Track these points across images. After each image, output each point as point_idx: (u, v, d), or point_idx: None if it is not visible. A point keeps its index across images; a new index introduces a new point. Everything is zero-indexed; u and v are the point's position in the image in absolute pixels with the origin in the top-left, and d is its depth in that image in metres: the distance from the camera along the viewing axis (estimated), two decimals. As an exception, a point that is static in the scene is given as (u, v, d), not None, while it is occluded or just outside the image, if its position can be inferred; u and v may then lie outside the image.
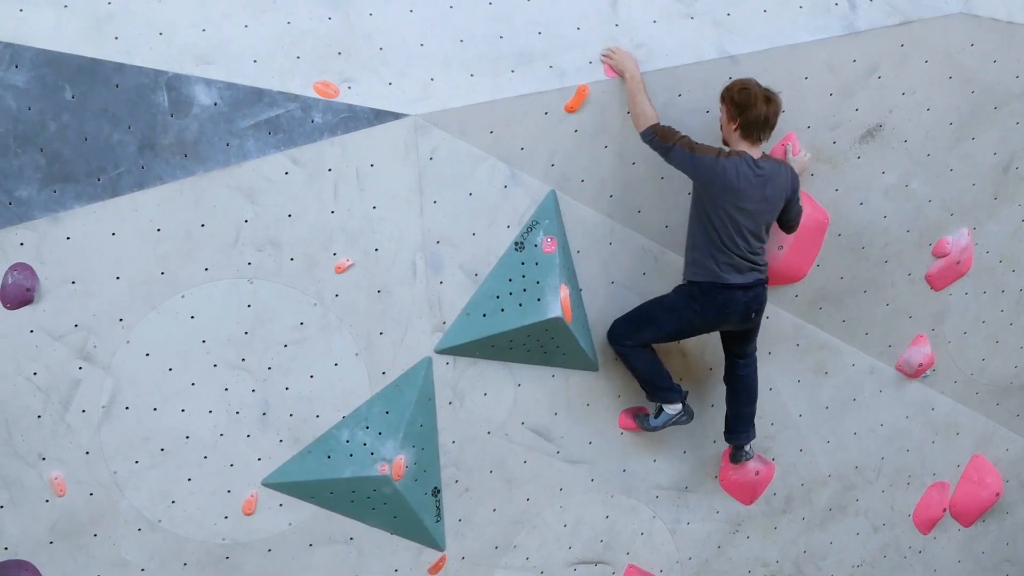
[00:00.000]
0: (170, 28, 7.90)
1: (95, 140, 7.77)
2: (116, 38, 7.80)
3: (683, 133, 8.20)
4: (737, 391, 9.01)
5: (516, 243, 8.53)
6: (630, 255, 8.86)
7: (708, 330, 8.72)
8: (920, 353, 9.80)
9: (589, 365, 8.91)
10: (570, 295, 8.54)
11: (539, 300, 8.50)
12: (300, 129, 8.02)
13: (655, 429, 9.01)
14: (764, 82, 8.38)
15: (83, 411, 8.07)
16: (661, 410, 8.93)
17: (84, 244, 7.84)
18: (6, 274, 7.75)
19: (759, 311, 8.61)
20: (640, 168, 8.65)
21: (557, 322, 8.49)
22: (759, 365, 9.02)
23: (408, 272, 8.39)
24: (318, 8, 8.13)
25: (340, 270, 8.27)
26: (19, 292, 7.77)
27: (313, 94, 8.03)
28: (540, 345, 8.66)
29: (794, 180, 8.49)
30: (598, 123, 8.50)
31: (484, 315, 8.53)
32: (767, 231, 8.47)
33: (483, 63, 8.32)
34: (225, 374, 8.26)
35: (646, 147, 8.38)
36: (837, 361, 9.66)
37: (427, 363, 8.59)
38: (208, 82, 7.89)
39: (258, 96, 7.96)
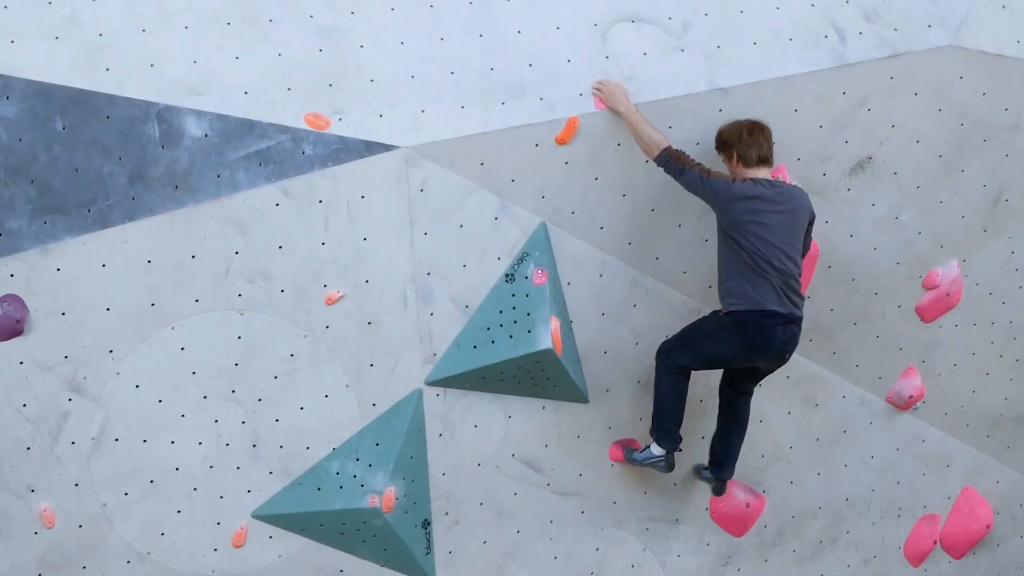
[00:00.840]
0: (161, 60, 7.90)
1: (86, 171, 7.76)
2: (107, 69, 7.80)
3: (695, 160, 8.24)
4: (733, 426, 8.99)
5: (507, 275, 8.53)
6: (621, 287, 8.85)
7: (739, 364, 8.67)
8: (910, 385, 9.80)
9: (580, 397, 8.90)
10: (560, 327, 8.54)
11: (529, 332, 8.49)
12: (291, 161, 8.02)
13: (634, 463, 9.00)
14: (754, 114, 8.41)
15: (72, 443, 8.05)
16: (648, 448, 8.90)
17: (74, 275, 7.83)
18: (-4, 305, 7.76)
19: (792, 351, 8.55)
20: (631, 200, 8.66)
21: (547, 354, 8.48)
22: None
23: (399, 304, 8.38)
24: (309, 40, 8.13)
25: (331, 302, 8.26)
26: (9, 323, 7.76)
27: (304, 126, 8.03)
28: (531, 377, 8.65)
29: (810, 202, 8.52)
30: (589, 155, 8.50)
31: (475, 347, 8.52)
32: (800, 254, 8.41)
33: (474, 95, 8.33)
34: (215, 406, 8.24)
35: (637, 179, 8.41)
36: (827, 393, 9.67)
37: (417, 395, 8.57)
38: (199, 114, 7.89)
39: (249, 128, 7.96)
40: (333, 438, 8.48)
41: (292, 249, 8.13)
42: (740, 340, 8.35)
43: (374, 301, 8.34)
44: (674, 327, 8.95)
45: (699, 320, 8.72)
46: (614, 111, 8.43)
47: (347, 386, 8.42)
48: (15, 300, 7.76)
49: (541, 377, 8.68)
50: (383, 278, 8.33)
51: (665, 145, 8.23)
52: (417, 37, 8.33)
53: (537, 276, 8.51)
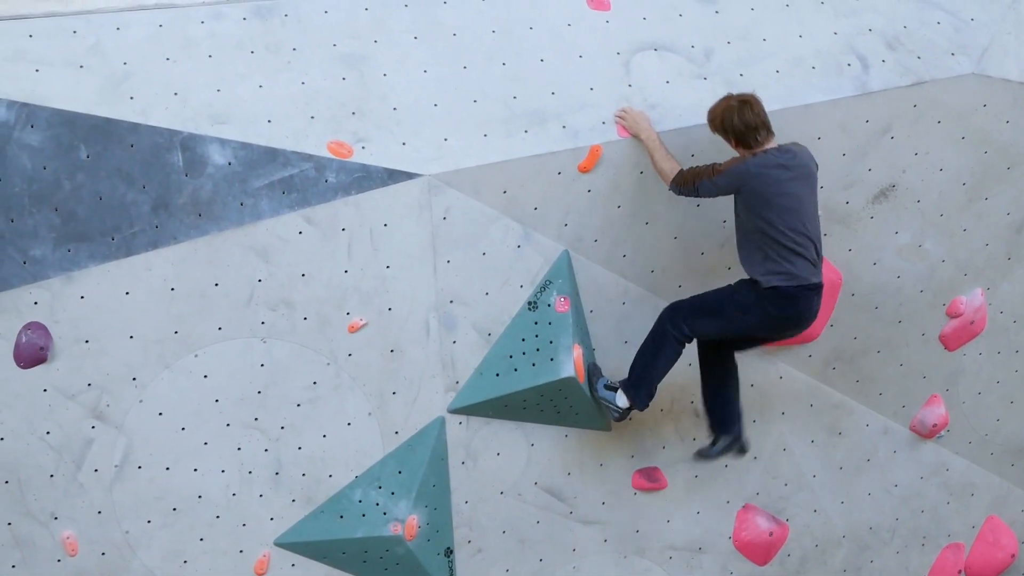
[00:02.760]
0: (185, 88, 7.93)
1: (109, 199, 7.79)
2: (131, 98, 7.84)
3: (702, 165, 8.16)
4: (727, 380, 8.73)
5: (529, 303, 8.53)
6: (643, 315, 8.82)
7: (767, 337, 8.56)
8: (934, 413, 9.77)
9: (602, 425, 8.88)
10: (583, 355, 8.53)
11: (552, 360, 8.49)
12: (314, 189, 8.03)
13: (594, 396, 8.67)
14: (779, 141, 8.40)
15: (95, 470, 8.06)
16: (616, 391, 8.60)
17: (98, 303, 7.85)
18: (20, 333, 7.76)
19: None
20: (654, 228, 8.65)
21: (570, 382, 8.48)
22: (772, 425, 9.01)
23: (421, 331, 8.39)
24: (332, 68, 8.16)
25: (353, 329, 8.27)
26: (33, 351, 7.78)
27: (327, 154, 8.05)
28: (553, 405, 8.64)
29: (811, 155, 8.41)
30: (612, 183, 8.51)
31: (497, 375, 8.52)
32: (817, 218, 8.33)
33: (496, 123, 8.34)
34: (238, 433, 8.24)
35: (660, 207, 8.42)
36: (851, 421, 9.64)
37: (440, 423, 8.57)
38: (222, 142, 7.92)
39: (272, 156, 7.98)
40: (355, 466, 8.48)
41: (315, 277, 8.14)
42: (778, 314, 8.20)
43: (397, 329, 8.34)
44: (696, 356, 8.92)
45: (728, 290, 8.43)
46: (636, 139, 8.44)
47: (369, 414, 8.42)
48: (39, 328, 7.78)
49: (564, 405, 8.67)
50: (406, 306, 8.33)
51: (677, 171, 8.21)
52: (440, 65, 8.35)
53: (560, 304, 8.51)
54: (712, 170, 8.10)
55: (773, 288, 8.11)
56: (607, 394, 8.60)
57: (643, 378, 8.52)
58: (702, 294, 8.49)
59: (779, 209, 8.02)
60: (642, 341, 8.54)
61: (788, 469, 9.55)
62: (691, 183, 8.13)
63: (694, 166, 8.20)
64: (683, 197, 8.31)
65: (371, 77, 8.23)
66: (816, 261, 8.18)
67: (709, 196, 8.20)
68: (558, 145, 8.37)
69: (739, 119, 8.09)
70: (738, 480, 9.38)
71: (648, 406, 8.59)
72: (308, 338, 8.21)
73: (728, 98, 8.23)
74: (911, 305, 9.48)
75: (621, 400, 8.55)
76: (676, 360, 8.50)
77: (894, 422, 9.76)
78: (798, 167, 8.15)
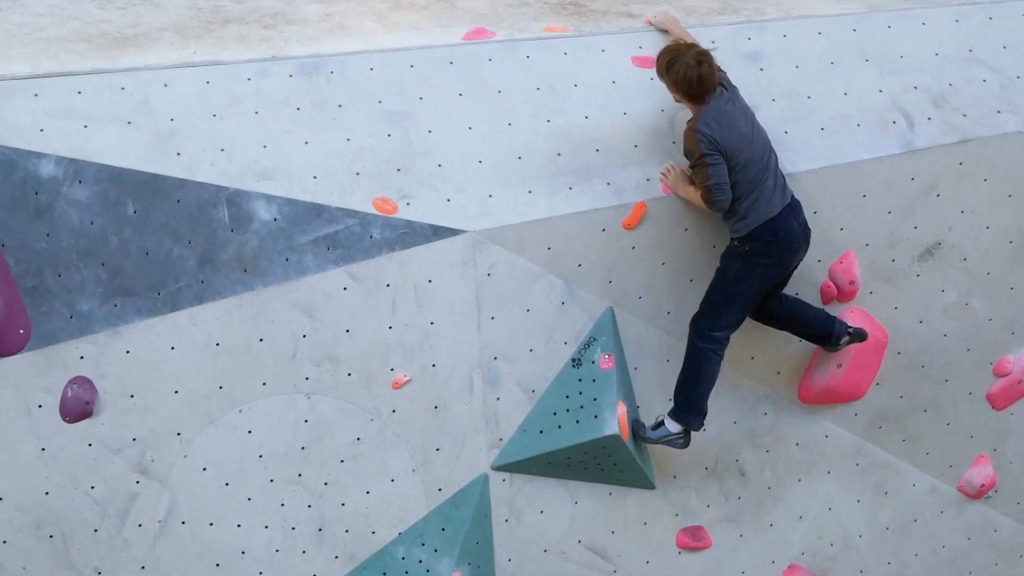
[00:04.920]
0: (231, 144, 7.99)
1: (156, 255, 7.83)
2: (178, 154, 7.89)
3: (707, 184, 8.07)
4: (795, 312, 8.69)
5: (573, 360, 8.52)
6: (688, 372, 8.82)
7: (782, 275, 8.43)
8: (982, 473, 9.70)
9: (646, 483, 8.84)
10: (627, 413, 8.50)
11: (596, 417, 8.47)
12: (359, 245, 8.06)
13: (648, 441, 8.62)
14: (823, 200, 8.44)
15: (139, 525, 8.07)
16: (661, 424, 8.57)
17: (143, 358, 7.88)
18: (66, 387, 7.79)
19: (809, 237, 8.36)
20: (698, 285, 8.63)
21: (614, 439, 8.45)
22: (818, 484, 8.95)
23: (465, 388, 8.38)
24: (378, 125, 8.20)
25: (397, 385, 8.27)
26: (78, 405, 7.81)
27: (372, 210, 8.08)
28: (597, 462, 8.61)
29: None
30: (655, 240, 8.51)
31: (541, 432, 8.50)
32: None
33: (541, 180, 8.36)
34: (281, 489, 8.24)
35: (704, 264, 8.43)
36: (897, 481, 9.57)
37: (484, 480, 8.55)
38: (268, 198, 7.96)
39: (317, 212, 8.01)
40: (399, 522, 8.47)
41: (359, 333, 8.16)
42: (771, 255, 8.18)
43: (440, 385, 8.35)
44: (742, 414, 8.92)
45: (720, 274, 8.37)
46: (679, 196, 8.44)
47: (413, 470, 8.41)
48: (84, 382, 7.81)
49: (608, 463, 8.64)
50: (450, 362, 8.33)
51: (702, 196, 8.16)
52: (485, 122, 8.38)
53: (604, 361, 8.50)
54: (703, 160, 8.02)
55: (746, 239, 8.15)
56: (660, 432, 8.54)
57: (692, 400, 8.46)
58: (706, 295, 8.43)
59: (738, 151, 8.03)
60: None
61: (834, 529, 9.48)
62: (708, 192, 8.06)
63: (708, 190, 8.10)
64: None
65: (416, 134, 8.27)
66: (776, 183, 8.15)
67: (724, 178, 8.06)
68: (602, 202, 8.38)
69: (695, 76, 8.02)
70: (783, 539, 9.32)
71: (703, 424, 8.54)
72: (352, 394, 8.22)
73: (685, 50, 8.13)
74: (958, 364, 9.42)
75: (673, 426, 8.50)
76: (719, 371, 8.45)
77: (941, 482, 9.68)
78: (735, 99, 8.19)
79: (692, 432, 8.56)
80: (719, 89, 8.12)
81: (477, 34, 8.63)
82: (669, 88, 8.15)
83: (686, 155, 8.15)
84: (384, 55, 8.43)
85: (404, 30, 8.81)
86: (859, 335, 8.79)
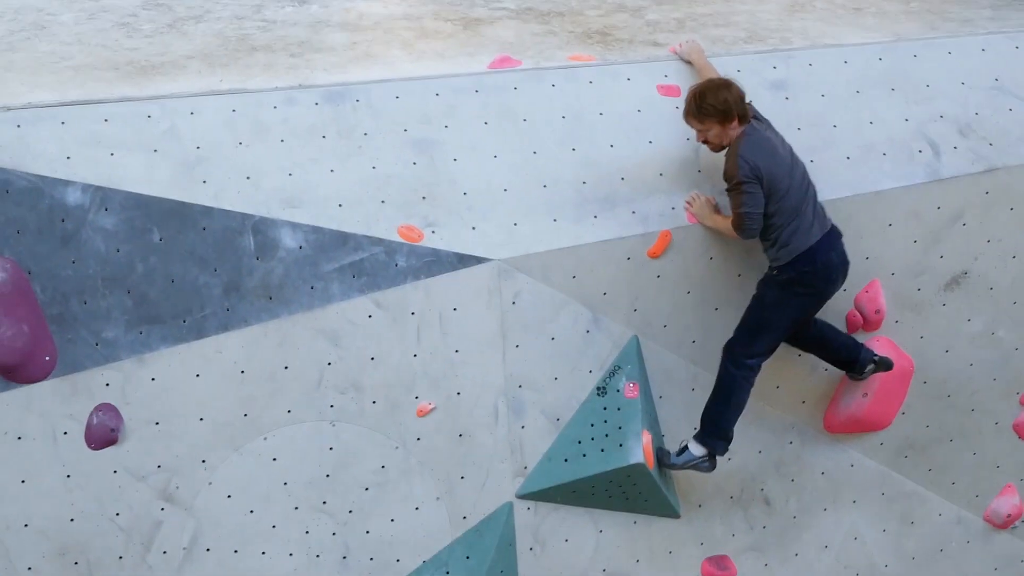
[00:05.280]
0: (257, 172, 8.00)
1: (181, 282, 7.85)
2: (204, 182, 7.91)
3: (739, 211, 8.07)
4: (824, 338, 8.67)
5: (598, 388, 8.52)
6: (713, 401, 8.81)
7: (820, 304, 8.37)
8: (1008, 503, 9.66)
9: (671, 512, 8.82)
10: (652, 441, 8.49)
11: (621, 446, 8.45)
12: (384, 273, 8.07)
13: (674, 467, 8.59)
14: (849, 229, 8.39)
15: (164, 552, 8.07)
16: (685, 448, 8.53)
17: (168, 385, 7.90)
18: (91, 415, 7.81)
19: (847, 269, 8.34)
20: (723, 314, 8.62)
21: (639, 468, 8.43)
22: (844, 513, 8.92)
23: (490, 416, 8.38)
24: (403, 153, 8.22)
25: (422, 413, 8.27)
26: (103, 432, 7.82)
27: (397, 238, 8.09)
28: (622, 491, 8.60)
29: None
30: (681, 269, 8.50)
31: (566, 460, 8.49)
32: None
33: (566, 208, 8.36)
34: (306, 517, 8.24)
35: (729, 293, 8.42)
36: (924, 511, 9.53)
37: (508, 508, 8.54)
38: (294, 225, 7.98)
39: (343, 240, 8.03)
40: (423, 550, 8.45)
41: (384, 361, 8.16)
42: (808, 285, 8.16)
43: (465, 413, 8.34)
44: (767, 443, 8.90)
45: (757, 301, 8.34)
46: (704, 225, 8.44)
47: (438, 498, 8.40)
48: (110, 409, 7.83)
49: (632, 491, 8.62)
50: (475, 390, 8.33)
51: (734, 227, 8.18)
52: (510, 151, 8.39)
53: (629, 390, 8.48)
54: (739, 187, 8.01)
55: (784, 268, 8.14)
56: (684, 456, 8.51)
57: (719, 425, 8.43)
58: (741, 321, 8.40)
59: (776, 178, 8.00)
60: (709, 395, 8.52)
61: (860, 558, 9.44)
62: (740, 220, 8.07)
63: (739, 219, 8.11)
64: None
65: (442, 162, 8.28)
66: (815, 213, 8.14)
67: (758, 207, 8.04)
68: (628, 230, 8.37)
69: (729, 95, 8.02)
70: (809, 569, 9.28)
71: (728, 450, 8.50)
72: (377, 422, 8.22)
73: (710, 83, 8.15)
74: (984, 393, 9.39)
75: (697, 450, 8.46)
76: (747, 399, 8.42)
77: (968, 512, 9.64)
78: (766, 124, 8.21)
79: (717, 457, 8.54)
80: (753, 120, 8.14)
81: (503, 63, 8.64)
82: (704, 123, 8.08)
83: (725, 178, 8.12)
84: (410, 83, 8.45)
85: (430, 58, 8.84)
86: (885, 364, 8.77)
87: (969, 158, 8.96)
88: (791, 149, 8.22)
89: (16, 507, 7.83)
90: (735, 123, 8.05)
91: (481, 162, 8.34)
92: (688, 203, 8.49)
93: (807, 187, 8.17)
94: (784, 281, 8.19)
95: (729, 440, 8.49)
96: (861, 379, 8.87)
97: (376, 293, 8.08)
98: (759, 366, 8.36)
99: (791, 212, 8.04)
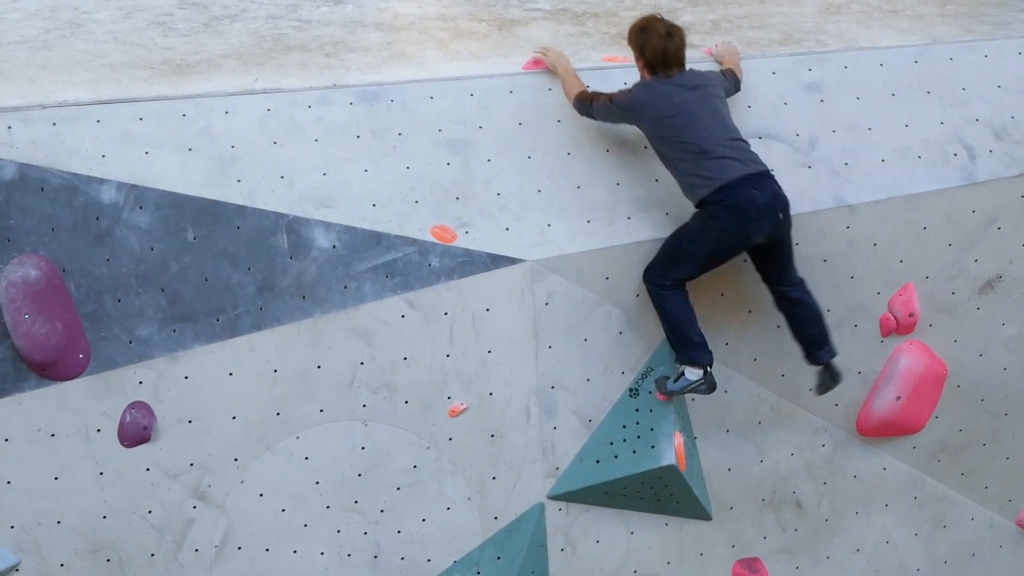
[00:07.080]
0: (291, 172, 8.02)
1: (215, 281, 7.87)
2: (238, 181, 7.93)
3: (606, 92, 8.19)
4: (794, 315, 8.40)
5: (631, 389, 8.50)
6: (745, 403, 8.79)
7: (740, 247, 8.16)
8: (1041, 509, 9.64)
9: (703, 514, 8.81)
10: (684, 443, 8.48)
11: (653, 447, 8.44)
12: (417, 273, 8.07)
13: (673, 394, 8.42)
14: (883, 232, 8.37)
15: (196, 550, 8.09)
16: (682, 375, 8.33)
17: (202, 383, 7.91)
18: (124, 412, 7.83)
19: (785, 210, 8.08)
20: (756, 316, 8.61)
21: (671, 470, 8.42)
22: (876, 517, 8.88)
23: (522, 417, 8.37)
24: (437, 153, 8.22)
25: (454, 414, 8.27)
26: (136, 430, 7.84)
27: (431, 238, 8.09)
28: (654, 492, 8.59)
29: (719, 76, 8.44)
30: (714, 270, 8.44)
31: (597, 461, 8.48)
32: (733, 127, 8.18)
33: (600, 209, 8.36)
34: (338, 516, 8.25)
35: (762, 296, 8.36)
36: (956, 515, 9.50)
37: (539, 509, 8.53)
38: (327, 225, 7.99)
39: (376, 240, 8.03)
40: (454, 550, 8.46)
41: (417, 361, 8.16)
42: (725, 219, 7.94)
43: (497, 414, 8.34)
44: (800, 446, 8.88)
45: (676, 231, 8.21)
46: (554, 72, 8.55)
47: (469, 499, 8.40)
48: (143, 407, 7.84)
49: (664, 493, 8.61)
50: (507, 391, 8.33)
51: (579, 91, 8.28)
52: (544, 151, 8.39)
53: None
54: (610, 96, 8.12)
55: (701, 203, 8.02)
56: (680, 383, 8.33)
57: (683, 337, 8.21)
58: (660, 248, 8.26)
59: (681, 125, 7.95)
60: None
61: (892, 562, 9.42)
62: (588, 102, 8.19)
63: (598, 90, 8.24)
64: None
65: (475, 162, 8.28)
66: (742, 157, 8.00)
67: (604, 119, 8.24)
68: (661, 232, 8.35)
69: (660, 46, 8.05)
70: (840, 572, 9.26)
71: (711, 355, 8.24)
72: (409, 422, 8.22)
73: (657, 21, 8.17)
74: (1018, 397, 9.35)
75: (692, 374, 8.26)
76: (688, 301, 8.20)
77: (1000, 516, 9.61)
78: (700, 87, 8.11)
79: (714, 378, 8.28)
80: (677, 72, 8.12)
81: (537, 64, 8.63)
82: (635, 53, 8.17)
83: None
84: (444, 84, 8.45)
85: (464, 59, 8.84)
86: (835, 378, 8.54)
87: (1004, 161, 8.93)
88: (719, 106, 8.15)
89: (49, 504, 7.86)
90: (642, 65, 8.13)
91: (515, 163, 8.34)
92: (543, 52, 8.64)
93: (729, 135, 8.02)
94: (702, 215, 8.04)
95: (703, 344, 8.22)
96: (813, 366, 8.61)
97: (409, 293, 8.08)
98: (681, 286, 8.19)
99: (699, 153, 7.92)
